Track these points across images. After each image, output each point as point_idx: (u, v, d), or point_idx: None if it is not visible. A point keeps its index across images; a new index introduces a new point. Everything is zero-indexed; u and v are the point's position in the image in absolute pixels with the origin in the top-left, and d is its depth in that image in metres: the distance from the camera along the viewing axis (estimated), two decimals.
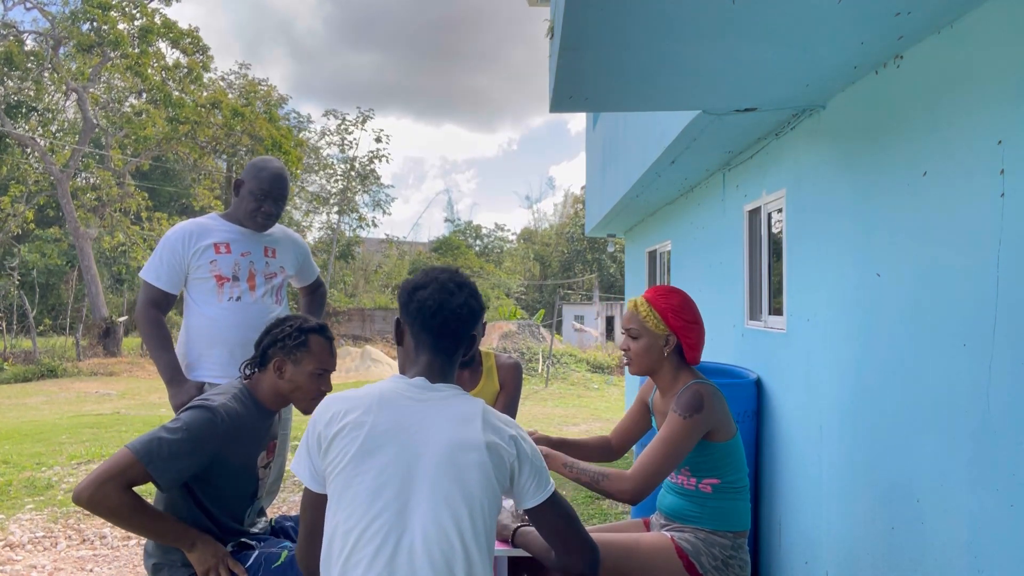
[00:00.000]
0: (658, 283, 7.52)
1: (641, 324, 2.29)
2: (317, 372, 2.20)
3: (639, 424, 2.58)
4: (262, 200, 2.92)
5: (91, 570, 3.81)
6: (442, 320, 1.63)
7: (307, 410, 2.23)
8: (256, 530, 2.33)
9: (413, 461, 1.51)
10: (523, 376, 7.11)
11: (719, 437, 2.22)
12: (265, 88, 28.17)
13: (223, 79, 27.70)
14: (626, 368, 2.40)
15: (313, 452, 1.58)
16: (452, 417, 1.57)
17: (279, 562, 2.10)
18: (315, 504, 1.61)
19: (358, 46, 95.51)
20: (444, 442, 1.52)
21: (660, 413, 2.39)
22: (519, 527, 2.12)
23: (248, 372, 2.27)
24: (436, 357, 1.66)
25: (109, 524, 4.40)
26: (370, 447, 1.51)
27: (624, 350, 2.36)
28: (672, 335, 2.27)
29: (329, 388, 2.25)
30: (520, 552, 2.09)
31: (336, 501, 1.53)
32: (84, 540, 4.23)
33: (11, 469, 5.85)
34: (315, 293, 3.42)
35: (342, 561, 1.48)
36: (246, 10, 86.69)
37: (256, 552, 2.14)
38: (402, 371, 1.74)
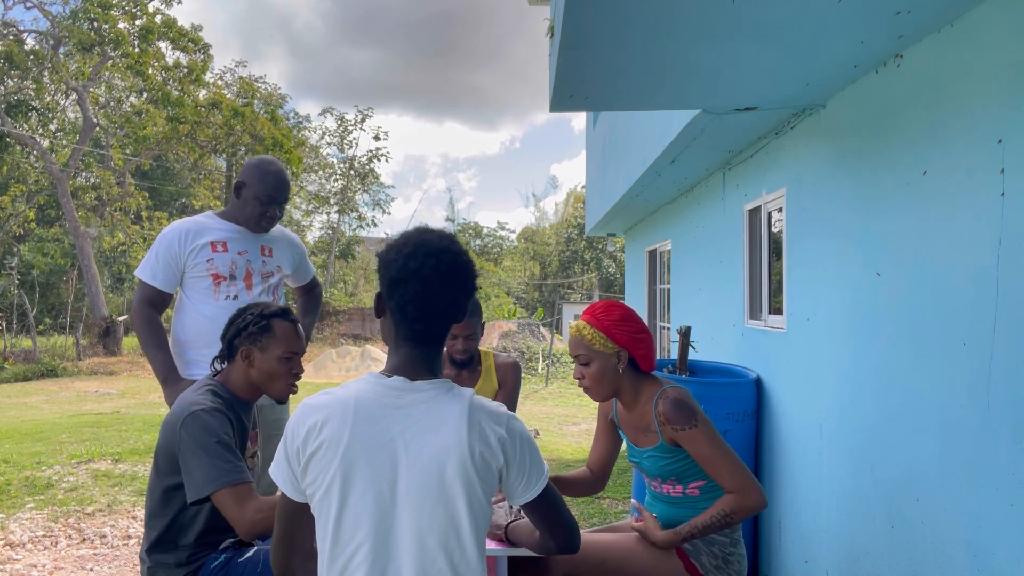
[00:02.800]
0: (658, 282, 7.52)
1: (588, 348, 2.20)
2: (285, 356, 2.19)
3: (610, 447, 2.52)
4: (268, 205, 2.90)
5: (91, 569, 3.81)
6: (425, 324, 1.54)
7: (281, 396, 2.24)
8: None
9: (393, 481, 1.44)
10: (523, 375, 7.11)
11: None
12: (268, 88, 28.14)
13: (220, 78, 27.70)
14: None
15: (293, 464, 1.51)
16: (434, 425, 1.47)
17: None
18: (292, 513, 1.55)
19: (358, 43, 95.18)
20: (425, 458, 1.45)
21: (629, 427, 2.32)
22: (511, 523, 2.11)
23: (218, 367, 2.26)
24: (417, 349, 1.56)
25: (109, 523, 4.40)
26: (347, 471, 1.44)
27: (579, 378, 2.26)
28: (622, 350, 2.19)
29: (301, 370, 2.25)
30: (517, 551, 2.09)
31: (320, 527, 1.48)
32: (84, 539, 4.22)
33: (11, 468, 5.85)
34: (311, 293, 3.41)
35: None
36: (243, 7, 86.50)
37: (255, 548, 2.15)
38: (386, 341, 1.65)
